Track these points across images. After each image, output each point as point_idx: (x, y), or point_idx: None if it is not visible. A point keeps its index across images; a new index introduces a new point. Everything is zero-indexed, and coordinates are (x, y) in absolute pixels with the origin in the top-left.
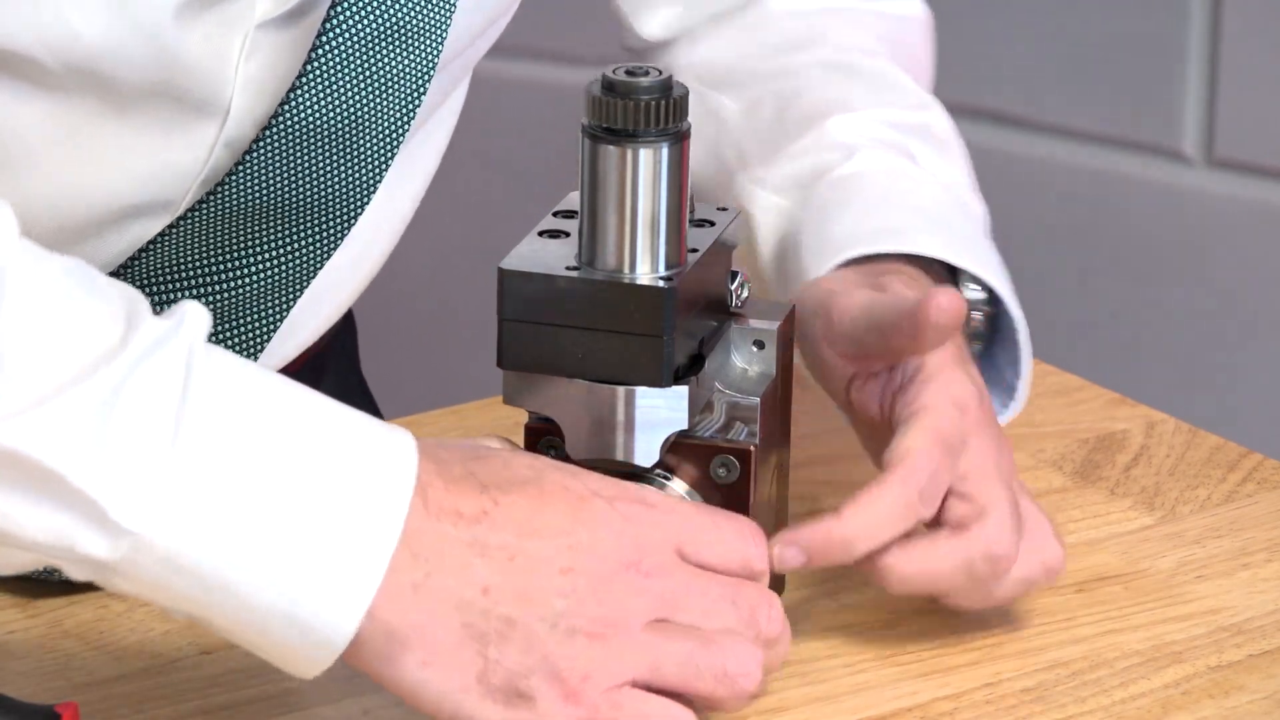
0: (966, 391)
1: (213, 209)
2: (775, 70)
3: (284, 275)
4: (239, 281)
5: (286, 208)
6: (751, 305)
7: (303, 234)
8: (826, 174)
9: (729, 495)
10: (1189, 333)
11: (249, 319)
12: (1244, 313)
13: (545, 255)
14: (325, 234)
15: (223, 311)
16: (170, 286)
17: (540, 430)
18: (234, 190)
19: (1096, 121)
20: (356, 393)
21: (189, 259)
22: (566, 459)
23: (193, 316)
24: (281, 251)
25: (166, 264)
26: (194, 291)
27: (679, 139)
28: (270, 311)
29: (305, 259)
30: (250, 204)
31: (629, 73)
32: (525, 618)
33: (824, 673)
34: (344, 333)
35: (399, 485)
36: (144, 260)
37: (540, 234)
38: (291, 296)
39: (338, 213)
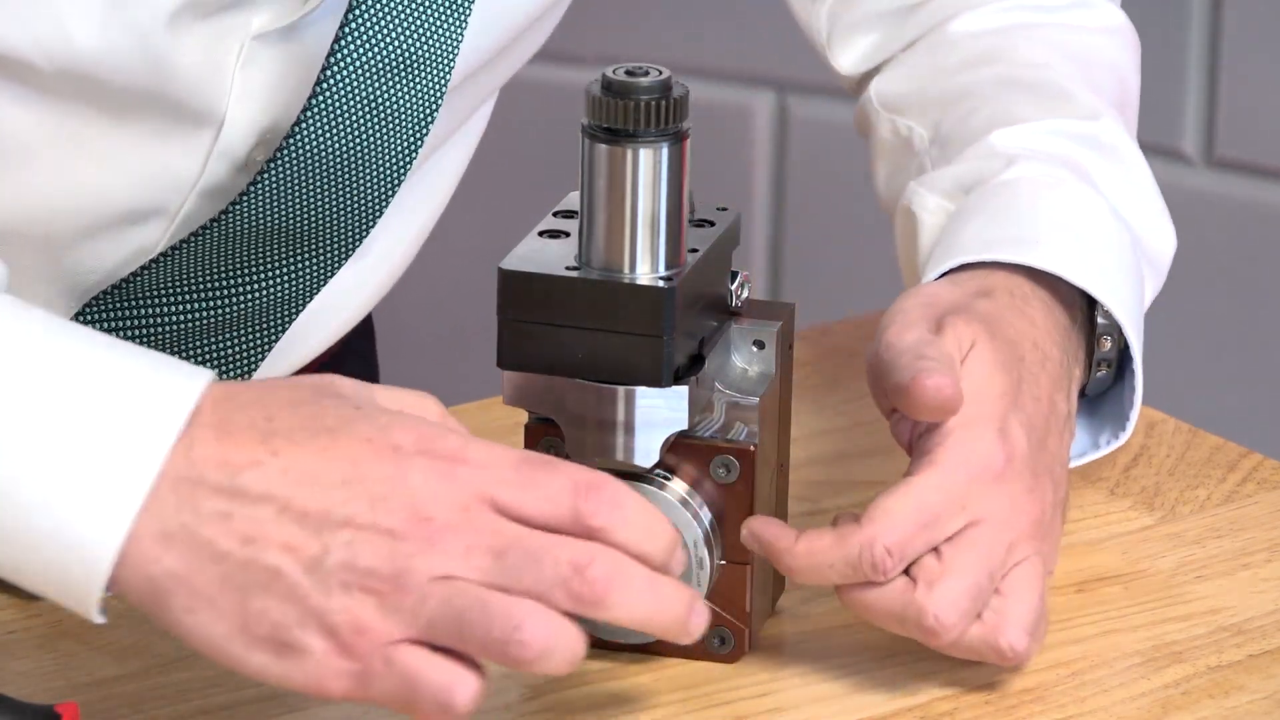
0: (986, 453)
1: (218, 232)
2: (954, 91)
3: (284, 295)
4: (240, 299)
5: (292, 232)
6: (751, 305)
7: (306, 257)
8: (984, 182)
9: (729, 495)
10: (1189, 332)
11: (247, 333)
12: (1244, 313)
13: (545, 255)
14: (328, 257)
15: (221, 325)
16: (171, 300)
17: (540, 430)
18: (241, 215)
19: None
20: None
21: (192, 277)
22: (567, 459)
23: None
24: (283, 272)
25: (169, 280)
26: (194, 306)
27: (679, 139)
28: (268, 327)
29: (306, 280)
30: (256, 228)
31: (629, 73)
32: (291, 570)
33: (824, 673)
34: (361, 337)
35: (160, 432)
36: (146, 276)
37: (540, 234)
38: (290, 314)
39: (342, 237)
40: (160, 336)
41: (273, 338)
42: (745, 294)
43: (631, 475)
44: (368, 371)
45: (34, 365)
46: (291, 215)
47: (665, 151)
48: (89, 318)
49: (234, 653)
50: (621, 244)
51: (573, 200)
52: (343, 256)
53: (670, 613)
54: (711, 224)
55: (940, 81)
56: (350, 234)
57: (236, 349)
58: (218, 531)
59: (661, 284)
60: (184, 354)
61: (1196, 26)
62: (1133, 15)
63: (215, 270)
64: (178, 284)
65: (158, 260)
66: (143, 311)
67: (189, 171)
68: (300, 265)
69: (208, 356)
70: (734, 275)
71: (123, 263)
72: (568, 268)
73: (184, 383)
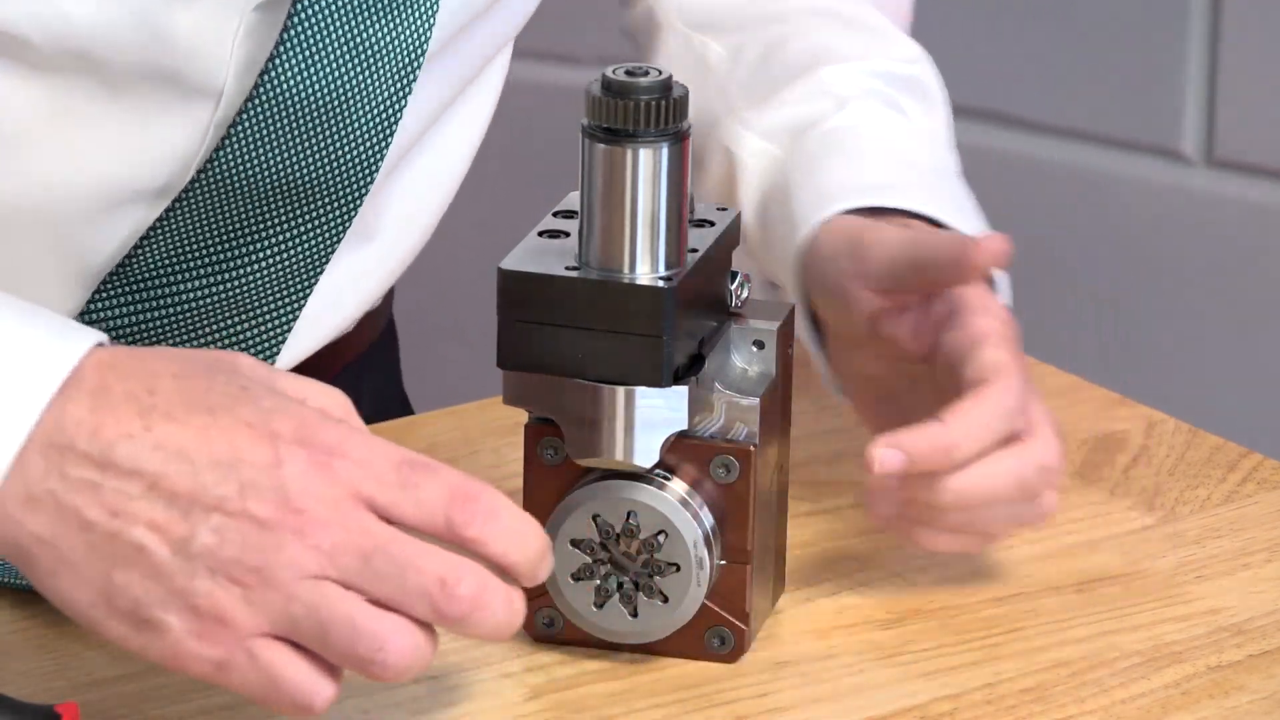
0: (1008, 315)
1: (205, 190)
2: (762, 15)
3: (292, 263)
4: (247, 269)
5: (284, 188)
6: (751, 305)
7: (307, 218)
8: (818, 124)
9: (729, 495)
10: (1189, 333)
11: (262, 311)
12: (1244, 313)
13: (545, 255)
14: (330, 217)
15: (235, 303)
16: (177, 277)
17: (540, 430)
18: (223, 168)
19: (1096, 121)
20: (395, 404)
21: (192, 247)
22: (567, 459)
23: None
24: (287, 238)
25: (170, 253)
26: (202, 282)
27: (679, 139)
28: (283, 304)
29: (313, 246)
30: (244, 183)
31: (629, 73)
32: (158, 548)
33: (824, 673)
34: (384, 344)
35: (31, 396)
36: (147, 250)
37: (540, 234)
38: (303, 286)
39: (340, 193)
40: (175, 319)
41: (289, 315)
42: (745, 294)
43: (631, 475)
44: (390, 382)
45: None
46: (279, 167)
47: (665, 151)
48: (100, 307)
49: (95, 618)
50: (621, 244)
51: (573, 200)
52: (345, 217)
53: (513, 626)
54: (711, 224)
55: (748, 3)
56: (347, 189)
57: (255, 330)
58: (85, 500)
59: (661, 284)
60: (202, 338)
61: (1196, 26)
62: (1133, 15)
63: (217, 238)
64: (181, 258)
65: (155, 229)
66: (153, 293)
67: (189, 146)
68: (303, 228)
69: (227, 340)
70: (734, 275)
71: (128, 243)
72: (568, 268)
73: (64, 346)
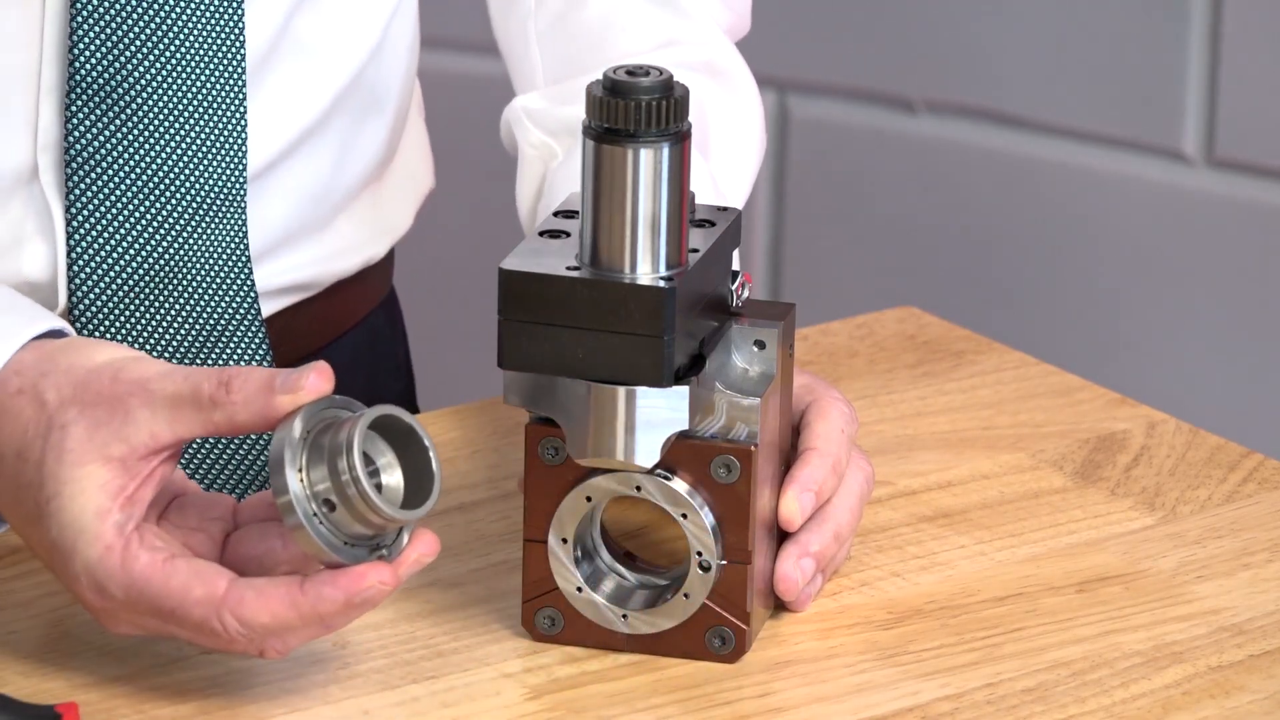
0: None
1: None
2: None
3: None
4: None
5: None
6: (752, 305)
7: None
8: None
9: (729, 495)
10: (1189, 333)
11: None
12: (1244, 313)
13: (545, 255)
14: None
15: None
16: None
17: (540, 430)
18: None
19: (1096, 121)
20: (399, 375)
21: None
22: (567, 459)
23: None
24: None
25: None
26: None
27: (679, 139)
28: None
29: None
30: None
31: (630, 73)
32: None
33: (824, 673)
34: (393, 342)
35: None
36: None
37: (540, 234)
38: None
39: None
40: None
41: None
42: (746, 294)
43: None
44: (400, 367)
45: None
46: None
47: (665, 151)
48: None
49: None
50: (622, 244)
51: (573, 200)
52: None
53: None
54: (712, 224)
55: None
56: None
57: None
58: None
59: (662, 284)
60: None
61: (1196, 26)
62: (1133, 15)
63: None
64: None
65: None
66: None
67: None
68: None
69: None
70: (735, 275)
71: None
72: (568, 268)
73: None
